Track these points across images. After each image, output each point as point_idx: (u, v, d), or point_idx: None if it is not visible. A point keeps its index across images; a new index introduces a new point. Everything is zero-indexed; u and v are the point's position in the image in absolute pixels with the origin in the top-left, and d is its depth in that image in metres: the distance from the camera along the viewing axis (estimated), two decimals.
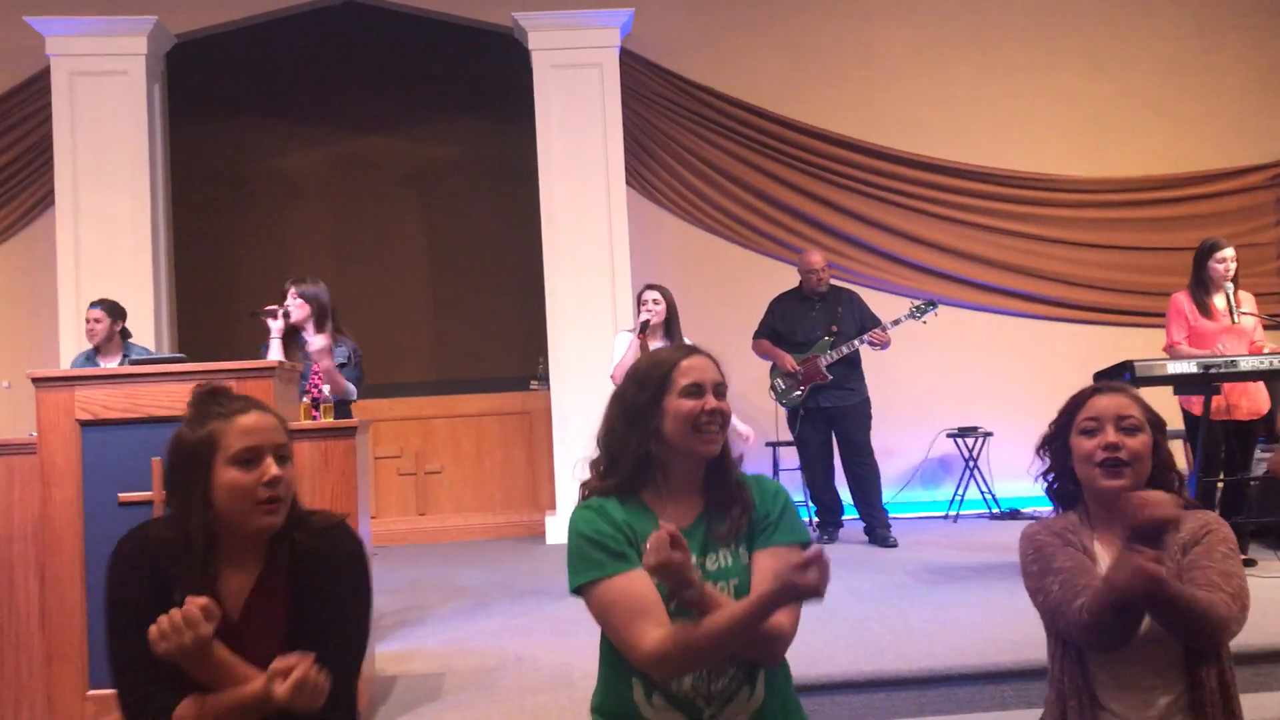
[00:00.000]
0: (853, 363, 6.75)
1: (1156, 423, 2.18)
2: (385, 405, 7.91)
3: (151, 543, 2.04)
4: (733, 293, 8.07)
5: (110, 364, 5.78)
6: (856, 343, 6.66)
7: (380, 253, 9.14)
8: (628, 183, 8.00)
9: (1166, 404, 5.08)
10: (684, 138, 8.42)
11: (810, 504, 7.10)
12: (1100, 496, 2.16)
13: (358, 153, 9.24)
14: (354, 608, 2.06)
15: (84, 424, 3.72)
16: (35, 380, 3.76)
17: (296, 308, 4.97)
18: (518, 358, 8.95)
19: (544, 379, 8.26)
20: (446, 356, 9.25)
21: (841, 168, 8.36)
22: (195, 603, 1.86)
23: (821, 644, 4.36)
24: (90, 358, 5.88)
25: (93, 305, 6.03)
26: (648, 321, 5.77)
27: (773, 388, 6.90)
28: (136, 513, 3.75)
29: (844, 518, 7.01)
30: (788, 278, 7.35)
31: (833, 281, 7.05)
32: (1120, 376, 5.15)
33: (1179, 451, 5.94)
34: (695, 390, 2.09)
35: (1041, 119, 8.45)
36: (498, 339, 9.18)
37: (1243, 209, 8.42)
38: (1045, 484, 2.29)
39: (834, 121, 8.37)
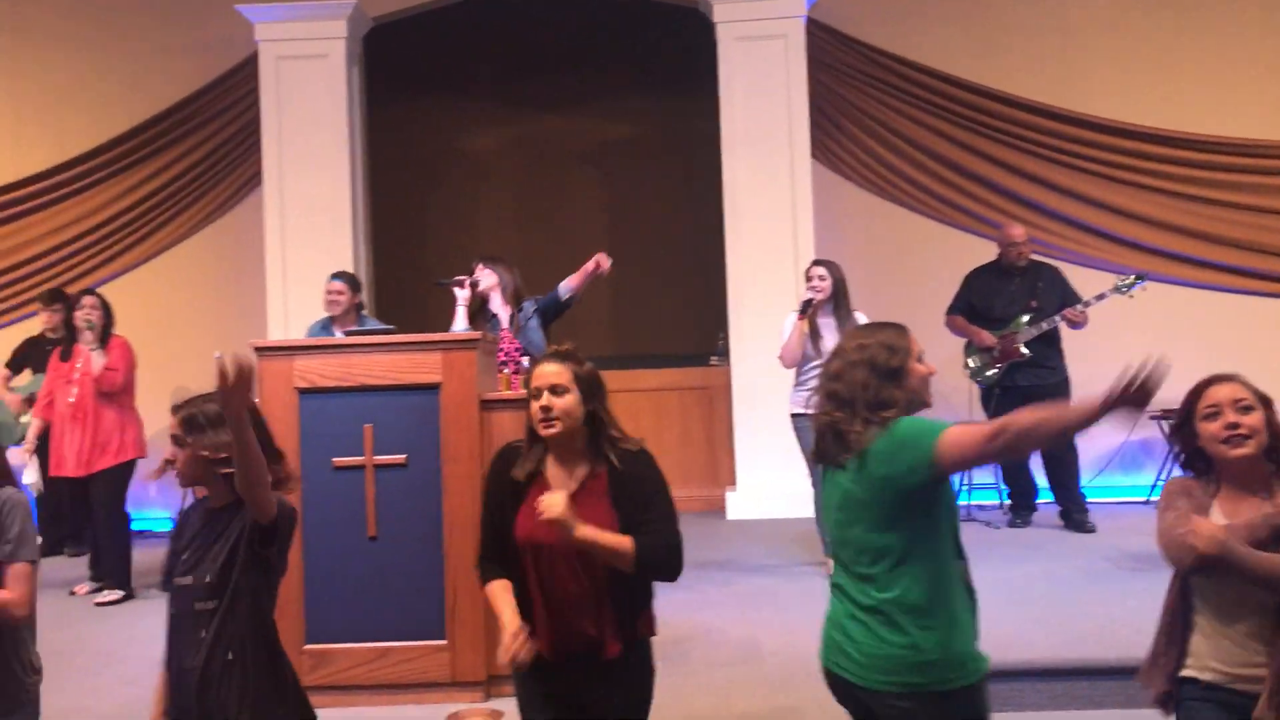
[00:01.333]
0: (1052, 340, 6.48)
1: (1266, 401, 2.60)
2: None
3: (512, 450, 2.73)
4: (920, 267, 7.86)
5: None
6: (1057, 319, 6.40)
7: (562, 230, 9.27)
8: (812, 155, 7.87)
9: None
10: (872, 108, 8.23)
11: (1003, 485, 6.88)
12: (1231, 467, 2.56)
13: (540, 132, 9.39)
14: (662, 493, 2.72)
15: (302, 391, 3.91)
16: (258, 350, 3.97)
17: (485, 276, 5.07)
18: (697, 333, 8.95)
19: (724, 354, 8.25)
20: (626, 332, 9.34)
21: (1039, 136, 8.01)
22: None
23: (1021, 629, 4.23)
24: (326, 326, 6.03)
25: (335, 277, 6.13)
26: (810, 301, 5.59)
27: (967, 365, 6.70)
28: (349, 476, 3.92)
29: (1038, 501, 6.77)
30: (979, 251, 7.11)
31: (1032, 256, 6.78)
32: None
33: None
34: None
35: (1252, 83, 7.91)
36: (677, 314, 9.20)
37: None
38: (1179, 463, 2.72)
39: (1029, 88, 8.02)
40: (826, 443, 2.53)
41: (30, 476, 5.96)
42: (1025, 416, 2.31)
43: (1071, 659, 3.99)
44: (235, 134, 8.58)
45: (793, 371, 5.73)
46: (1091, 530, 6.33)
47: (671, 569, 2.69)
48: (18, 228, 8.68)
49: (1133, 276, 6.52)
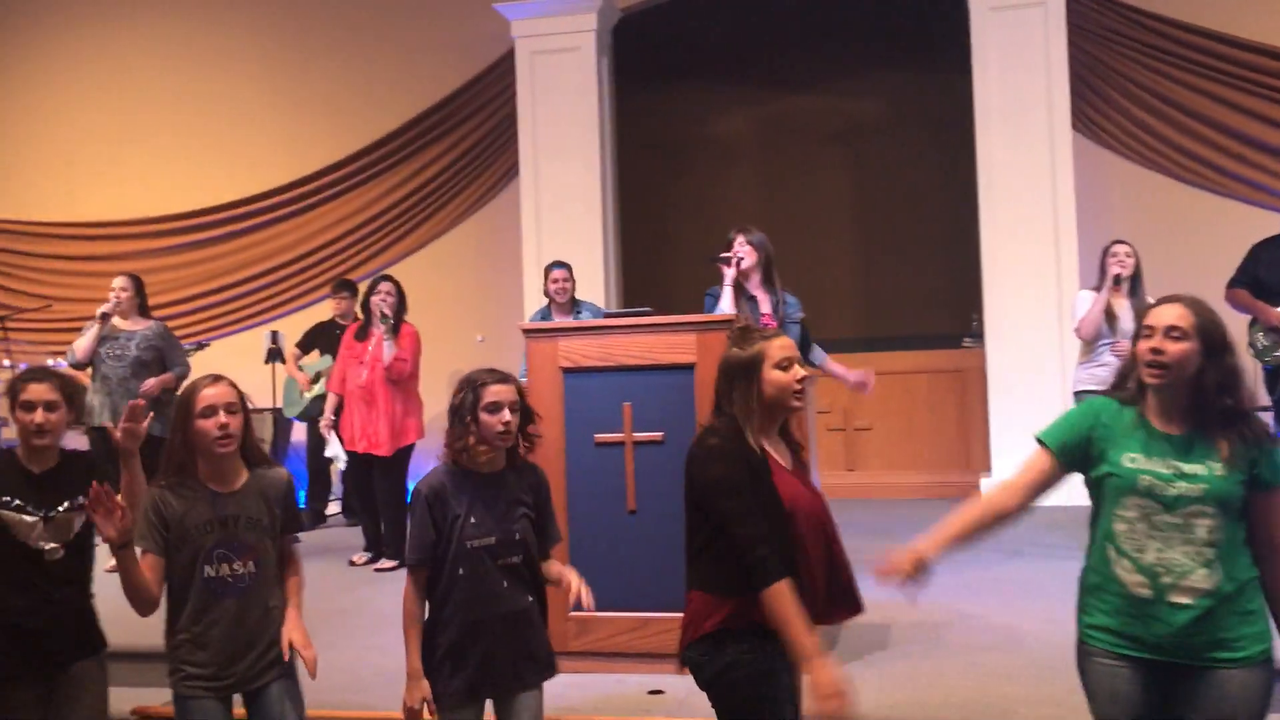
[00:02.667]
0: None
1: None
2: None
3: (732, 433, 2.62)
4: (1193, 242, 7.38)
5: (563, 318, 6.26)
6: None
7: (808, 212, 9.22)
8: (1073, 126, 7.51)
9: None
10: (1138, 73, 7.77)
11: None
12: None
13: (786, 113, 9.35)
14: None
15: (566, 371, 4.07)
16: (526, 332, 4.17)
17: (747, 254, 4.95)
18: (949, 315, 8.72)
19: (978, 336, 7.99)
20: (875, 313, 9.19)
21: None
22: None
23: None
24: (545, 314, 6.40)
25: (559, 266, 6.50)
26: (1120, 275, 5.42)
27: (1251, 344, 6.21)
28: (610, 452, 4.06)
29: None
30: (1259, 224, 6.59)
31: None
32: None
33: None
34: None
35: None
36: (928, 295, 8.98)
37: None
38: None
39: None
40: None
41: (333, 449, 6.41)
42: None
43: None
44: (494, 128, 8.99)
45: (1079, 348, 5.60)
46: None
47: None
48: (300, 223, 9.43)
49: None
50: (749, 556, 2.51)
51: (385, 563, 6.12)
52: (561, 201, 8.34)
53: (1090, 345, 5.53)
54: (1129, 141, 7.85)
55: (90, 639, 3.25)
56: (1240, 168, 7.56)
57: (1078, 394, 5.49)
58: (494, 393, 2.95)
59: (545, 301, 6.71)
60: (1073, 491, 6.01)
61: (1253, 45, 7.50)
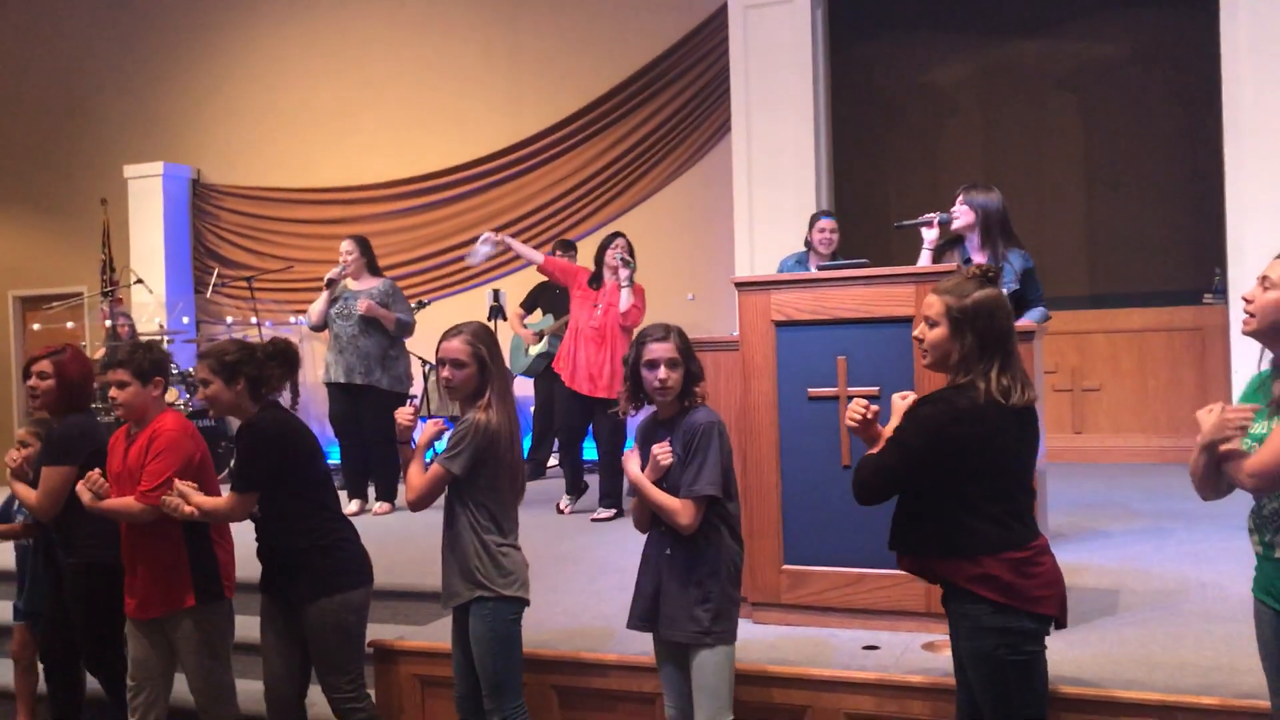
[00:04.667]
0: None
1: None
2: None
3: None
4: None
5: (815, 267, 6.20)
6: None
7: (1033, 162, 8.80)
8: None
9: None
10: None
11: None
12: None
13: (1011, 58, 8.94)
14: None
15: (778, 324, 4.05)
16: (738, 285, 4.16)
17: (962, 214, 4.78)
18: (1188, 269, 8.19)
19: (1221, 292, 7.47)
20: (1105, 269, 8.72)
21: None
22: None
23: None
24: (802, 260, 6.37)
25: (828, 215, 6.55)
26: None
27: None
28: (824, 407, 4.02)
29: None
30: None
31: None
32: None
33: None
34: None
35: None
36: (1164, 249, 8.45)
37: None
38: None
39: None
40: None
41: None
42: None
43: None
44: (707, 84, 8.99)
45: None
46: None
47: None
48: (519, 184, 9.70)
49: None
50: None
51: (602, 512, 6.27)
52: (774, 157, 8.26)
53: None
54: None
55: (319, 579, 3.58)
56: None
57: None
58: (651, 350, 3.18)
59: (803, 250, 6.61)
60: None
61: None
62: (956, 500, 2.69)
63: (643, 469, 3.20)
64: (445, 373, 3.39)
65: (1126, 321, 7.91)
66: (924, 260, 4.73)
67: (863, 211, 8.91)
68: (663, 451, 3.14)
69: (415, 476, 3.38)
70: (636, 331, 3.31)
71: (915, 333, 2.83)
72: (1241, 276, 7.01)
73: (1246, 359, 6.89)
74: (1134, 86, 8.50)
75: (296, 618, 3.55)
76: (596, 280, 6.42)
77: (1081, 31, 8.69)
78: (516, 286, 8.69)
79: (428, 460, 3.43)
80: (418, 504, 3.38)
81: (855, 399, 2.88)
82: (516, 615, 3.41)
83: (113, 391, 3.70)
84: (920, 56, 9.16)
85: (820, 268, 4.87)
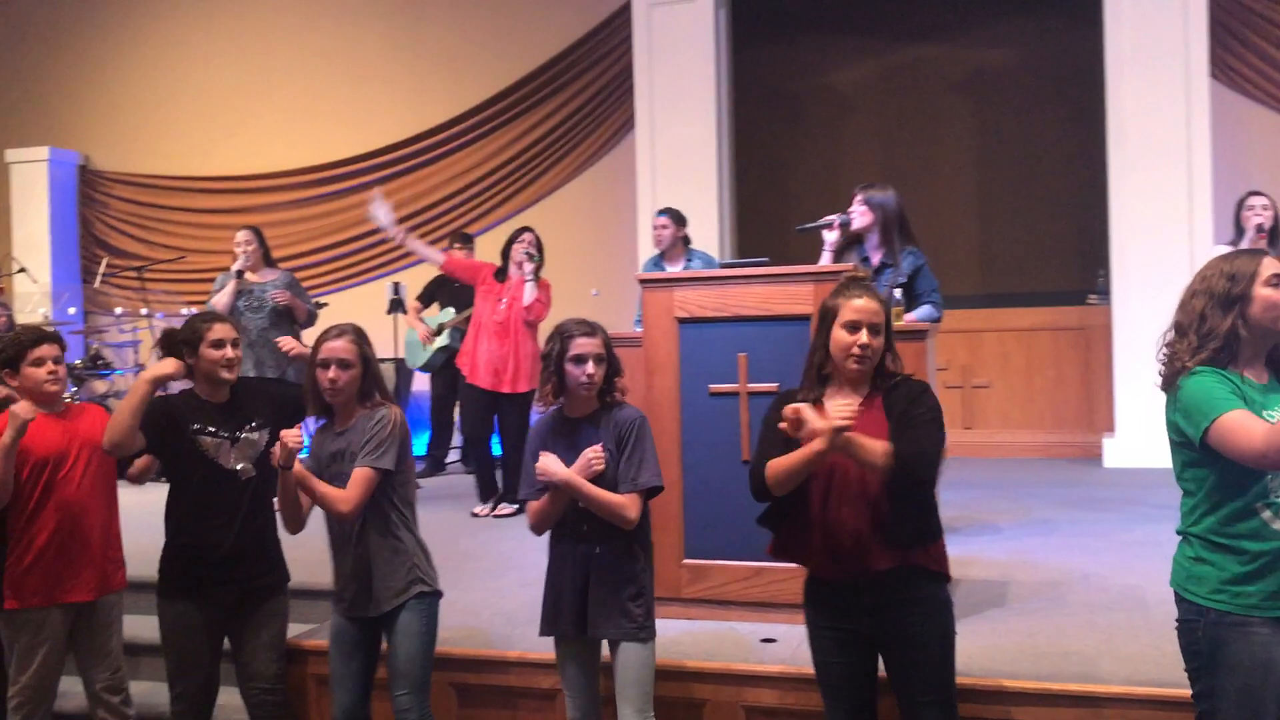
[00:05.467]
0: None
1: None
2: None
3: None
4: None
5: (674, 267, 6.25)
6: None
7: (928, 164, 9.02)
8: (1211, 74, 7.19)
9: None
10: None
11: None
12: None
13: (908, 62, 9.14)
14: (928, 413, 2.82)
15: (682, 321, 4.08)
16: (643, 282, 4.19)
17: (860, 214, 4.88)
18: (1074, 271, 8.48)
19: (1104, 293, 7.76)
20: (996, 269, 8.98)
21: None
22: None
23: None
24: (658, 262, 6.38)
25: (661, 213, 6.46)
26: (1262, 225, 5.15)
27: None
28: (725, 403, 4.07)
29: None
30: None
31: None
32: None
33: None
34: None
35: None
36: (1051, 251, 8.74)
37: None
38: None
39: None
40: (1163, 371, 2.59)
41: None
42: None
43: None
44: (611, 81, 9.01)
45: None
46: None
47: (921, 471, 2.74)
48: (420, 176, 9.61)
49: None
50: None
51: (505, 508, 6.24)
52: (677, 155, 8.32)
53: None
54: (1270, 89, 7.49)
55: (278, 569, 3.65)
56: None
57: None
58: (579, 345, 3.15)
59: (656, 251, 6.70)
60: None
61: None
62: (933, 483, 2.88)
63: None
64: (332, 374, 3.36)
65: (1016, 320, 8.16)
66: (825, 260, 4.82)
67: (764, 210, 9.03)
68: (596, 456, 3.10)
69: (332, 490, 3.31)
70: (556, 325, 3.25)
71: (863, 340, 2.79)
72: (1124, 278, 7.29)
73: (1128, 357, 7.20)
74: (1025, 93, 8.76)
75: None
76: (502, 274, 6.39)
77: (976, 39, 8.93)
78: (417, 280, 8.60)
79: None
80: (355, 512, 3.32)
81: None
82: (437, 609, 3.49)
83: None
84: (821, 58, 9.31)
85: (723, 265, 4.92)
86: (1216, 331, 2.50)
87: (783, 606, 3.98)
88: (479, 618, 4.24)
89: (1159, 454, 7.32)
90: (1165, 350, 2.61)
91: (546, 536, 3.30)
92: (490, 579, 4.84)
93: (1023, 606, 4.10)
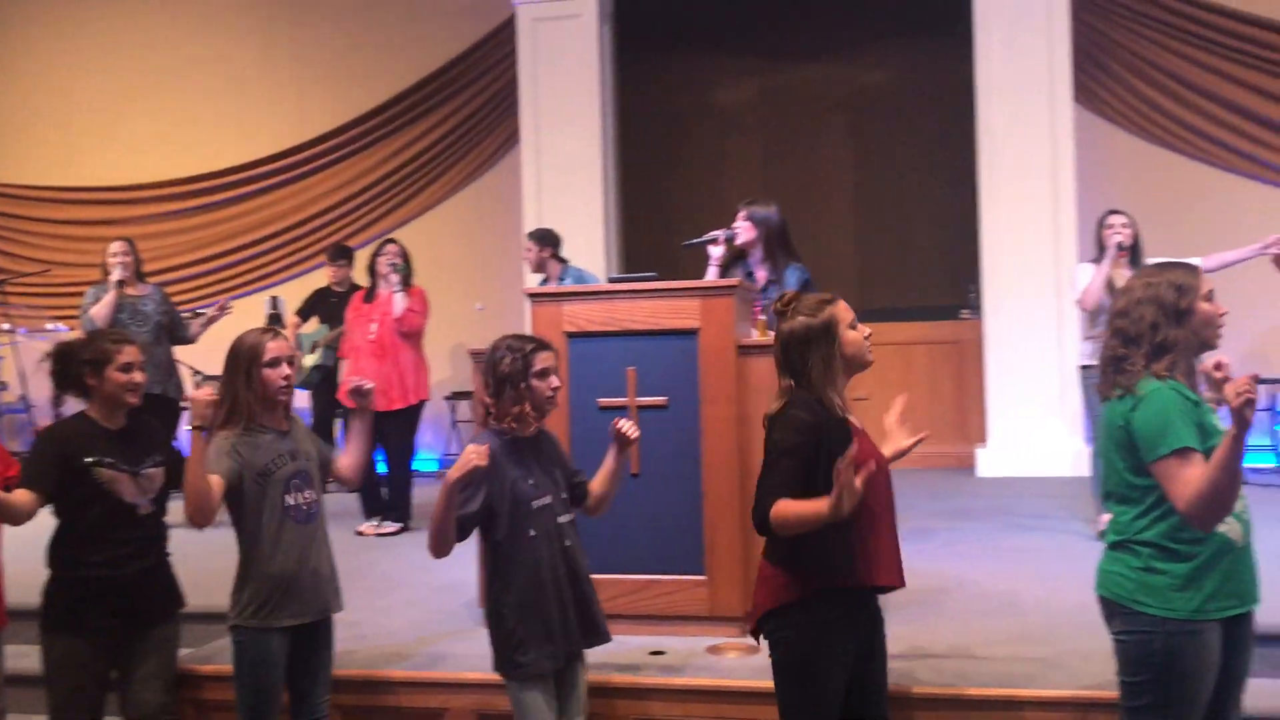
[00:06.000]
0: None
1: None
2: None
3: (815, 404, 2.75)
4: (1197, 217, 7.41)
5: (549, 285, 6.26)
6: None
7: (808, 181, 9.20)
8: (1075, 99, 7.52)
9: None
10: (1142, 47, 7.77)
11: None
12: None
13: (789, 83, 9.32)
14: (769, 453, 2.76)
15: (570, 335, 4.09)
16: (531, 295, 4.18)
17: (744, 230, 4.95)
18: (947, 286, 8.74)
19: (975, 307, 8.02)
20: (873, 284, 9.19)
21: None
22: None
23: None
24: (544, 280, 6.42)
25: (528, 236, 6.57)
26: (1122, 243, 5.36)
27: None
28: (614, 417, 4.08)
29: None
30: (1262, 200, 6.62)
31: None
32: None
33: None
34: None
35: None
36: (926, 267, 9.00)
37: None
38: None
39: None
40: (1106, 375, 2.62)
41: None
42: (1209, 474, 2.41)
43: None
44: (494, 95, 8.97)
45: (1081, 323, 5.68)
46: None
47: (759, 529, 2.74)
48: (299, 189, 9.42)
49: None
50: (761, 503, 2.64)
51: (389, 526, 6.14)
52: (562, 170, 8.33)
53: (1094, 318, 5.47)
54: (1131, 115, 7.86)
55: (173, 597, 3.50)
56: (1241, 142, 7.59)
57: (1084, 368, 5.46)
58: (544, 359, 3.09)
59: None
60: (1062, 463, 6.16)
61: (1254, 19, 7.51)
62: None
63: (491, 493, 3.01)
64: (285, 370, 3.26)
65: (893, 334, 8.35)
66: (711, 275, 4.88)
67: (650, 225, 9.09)
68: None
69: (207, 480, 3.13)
70: (496, 344, 3.10)
71: (869, 334, 2.90)
72: (994, 293, 7.55)
73: (999, 369, 7.46)
74: (901, 115, 9.02)
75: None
76: (371, 294, 6.28)
77: (855, 61, 9.16)
78: (293, 294, 8.42)
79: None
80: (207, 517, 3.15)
81: None
82: None
83: None
84: (705, 76, 9.44)
85: (611, 279, 4.95)
86: (1171, 342, 2.56)
87: (670, 619, 4.02)
88: (364, 638, 4.16)
89: (1029, 463, 7.63)
90: (1111, 357, 2.64)
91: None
92: (375, 598, 4.76)
93: (901, 614, 4.17)
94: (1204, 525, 2.46)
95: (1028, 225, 7.41)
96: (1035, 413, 7.23)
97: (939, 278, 8.89)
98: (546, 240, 6.51)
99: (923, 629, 3.98)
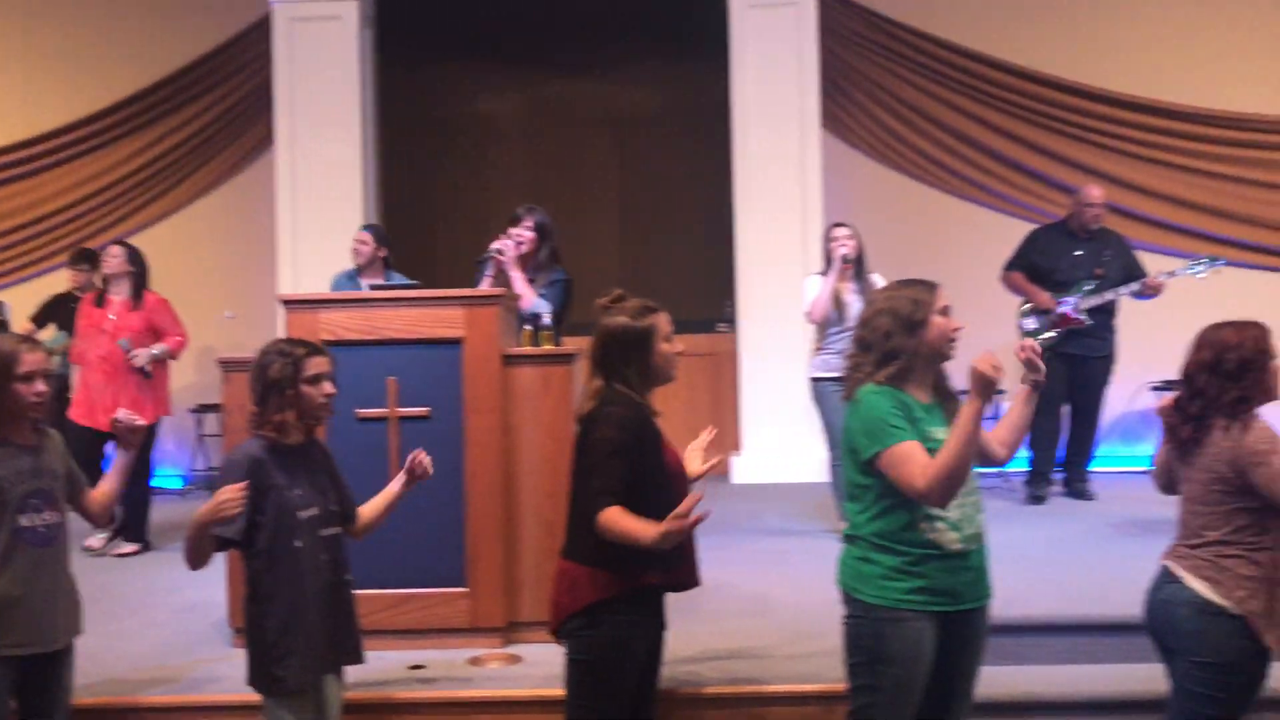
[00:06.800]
0: (1109, 312, 6.33)
1: None
2: (573, 344, 8.09)
3: (631, 403, 2.92)
4: (931, 240, 7.94)
5: (374, 282, 5.96)
6: (1124, 290, 6.22)
7: (573, 195, 9.28)
8: (823, 126, 7.92)
9: None
10: (883, 78, 8.27)
11: (1030, 450, 6.47)
12: None
13: (555, 97, 9.40)
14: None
15: (327, 344, 3.97)
16: (286, 303, 4.05)
17: (530, 241, 4.97)
18: (705, 300, 9.00)
19: (731, 321, 8.32)
20: (635, 297, 9.37)
21: (1049, 109, 8.03)
22: None
23: (1022, 586, 4.33)
24: (353, 277, 6.04)
25: (364, 229, 6.20)
26: (846, 255, 5.61)
27: (1023, 326, 6.46)
28: (373, 428, 4.01)
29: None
30: (991, 225, 7.18)
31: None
32: None
33: None
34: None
35: (1264, 57, 7.96)
36: (685, 282, 9.24)
37: None
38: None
39: (1040, 62, 8.05)
40: (846, 381, 2.83)
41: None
42: (943, 455, 2.61)
43: (1070, 615, 4.10)
44: (248, 95, 8.61)
45: (813, 336, 5.83)
46: (1092, 498, 6.42)
47: None
48: (31, 185, 8.73)
49: (1208, 257, 6.41)
50: (593, 502, 2.70)
51: (126, 546, 5.79)
52: (321, 174, 8.09)
53: (823, 331, 5.68)
54: (873, 142, 8.35)
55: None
56: (973, 172, 8.18)
57: (814, 380, 5.70)
58: (316, 364, 3.00)
59: (354, 267, 6.38)
60: (812, 469, 6.41)
61: (982, 57, 8.12)
62: None
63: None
64: (41, 387, 3.05)
65: None
66: (484, 285, 4.85)
67: (413, 233, 8.95)
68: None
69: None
70: (266, 349, 3.01)
71: (681, 351, 3.10)
72: (747, 308, 7.86)
73: (752, 380, 7.76)
74: (663, 132, 9.25)
75: None
76: (102, 298, 5.92)
77: (619, 78, 9.32)
78: (24, 299, 7.81)
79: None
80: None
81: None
82: None
83: None
84: (470, 85, 9.38)
85: (373, 287, 4.86)
86: (900, 350, 2.75)
87: (430, 632, 3.98)
88: (104, 665, 3.91)
89: (782, 470, 7.93)
90: (849, 365, 2.86)
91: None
92: (110, 621, 4.47)
93: None
94: (942, 500, 2.65)
95: (778, 243, 7.74)
96: (786, 422, 7.56)
97: (697, 292, 9.15)
98: (384, 240, 6.19)
99: (679, 632, 4.08)
